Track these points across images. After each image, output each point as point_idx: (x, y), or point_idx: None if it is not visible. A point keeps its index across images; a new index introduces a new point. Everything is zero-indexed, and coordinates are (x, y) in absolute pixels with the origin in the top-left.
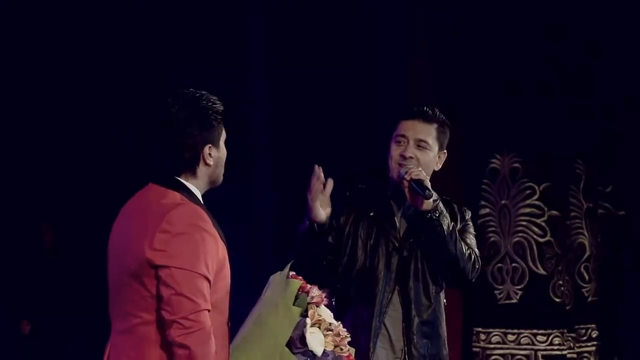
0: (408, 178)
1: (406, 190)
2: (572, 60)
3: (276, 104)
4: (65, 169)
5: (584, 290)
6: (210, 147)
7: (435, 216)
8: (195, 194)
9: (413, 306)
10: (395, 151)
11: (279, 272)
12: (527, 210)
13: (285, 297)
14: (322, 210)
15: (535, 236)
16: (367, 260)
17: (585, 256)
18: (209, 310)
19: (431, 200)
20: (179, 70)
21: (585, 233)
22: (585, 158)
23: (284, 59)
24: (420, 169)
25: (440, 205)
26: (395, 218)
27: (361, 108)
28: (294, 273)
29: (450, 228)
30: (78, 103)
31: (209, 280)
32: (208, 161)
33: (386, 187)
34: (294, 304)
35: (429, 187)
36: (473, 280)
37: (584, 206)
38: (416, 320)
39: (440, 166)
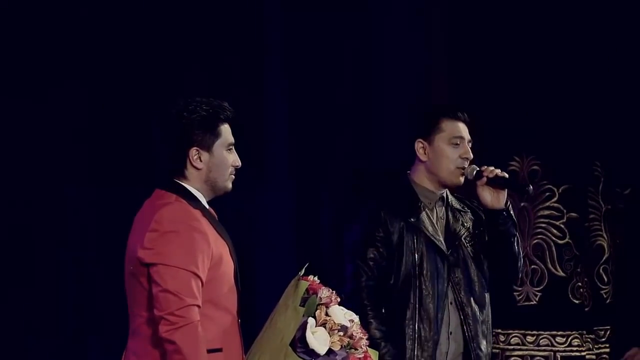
0: (491, 175)
1: (482, 188)
2: (592, 61)
3: (293, 105)
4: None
5: (602, 292)
6: (197, 150)
7: (510, 213)
8: (197, 196)
9: (472, 308)
10: (454, 154)
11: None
12: (547, 212)
13: (293, 299)
14: None
15: (554, 238)
16: (416, 269)
17: (604, 258)
18: (198, 307)
19: (505, 199)
20: (191, 72)
21: (604, 235)
22: (604, 160)
23: (300, 62)
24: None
25: (509, 203)
26: (435, 224)
27: (376, 107)
28: (308, 275)
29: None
30: (85, 106)
31: (198, 277)
32: (195, 164)
33: (411, 191)
34: (303, 305)
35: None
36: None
37: (602, 208)
38: (476, 321)
39: None
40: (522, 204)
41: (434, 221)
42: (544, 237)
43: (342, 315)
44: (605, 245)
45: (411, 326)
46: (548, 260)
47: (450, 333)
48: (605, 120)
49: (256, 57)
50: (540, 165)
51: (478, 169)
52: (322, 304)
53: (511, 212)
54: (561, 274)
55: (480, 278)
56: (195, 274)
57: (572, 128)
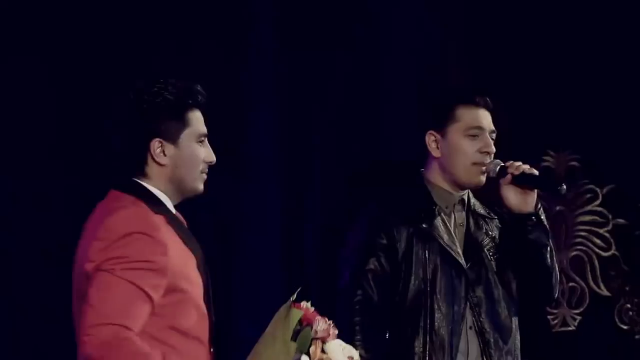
0: (517, 172)
1: (507, 188)
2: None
3: (282, 96)
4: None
5: None
6: (160, 142)
7: (540, 218)
8: (160, 198)
9: (494, 336)
10: (471, 147)
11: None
12: (588, 218)
13: (283, 330)
14: None
15: (597, 250)
16: (428, 286)
17: None
18: (131, 331)
19: (535, 201)
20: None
21: None
22: None
23: (292, 48)
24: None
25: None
26: (452, 232)
27: (379, 97)
28: (300, 303)
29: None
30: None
31: (148, 297)
32: (158, 159)
33: (425, 192)
34: (295, 338)
35: None
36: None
37: None
38: (499, 350)
39: None
40: (557, 208)
41: (451, 228)
42: (584, 248)
43: (340, 352)
44: None
45: (421, 354)
46: (589, 277)
47: None
48: None
49: (240, 39)
50: (580, 160)
51: (502, 164)
52: (317, 339)
53: (542, 216)
54: (606, 293)
55: (506, 298)
56: (145, 292)
57: (618, 115)
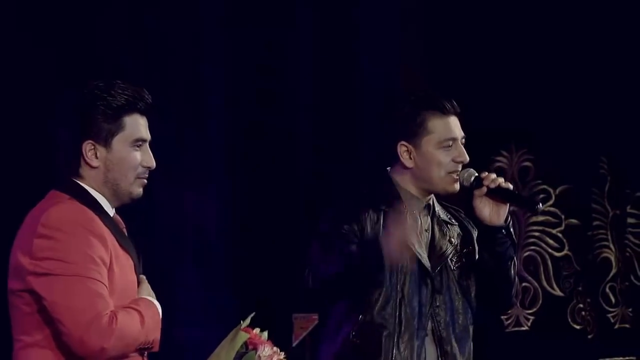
0: (493, 185)
1: (480, 199)
2: (595, 34)
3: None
4: None
5: (609, 315)
6: (92, 144)
7: (510, 231)
8: (98, 200)
9: (452, 345)
10: (446, 157)
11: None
12: (541, 218)
13: (228, 351)
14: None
15: (550, 250)
16: (398, 288)
17: (611, 274)
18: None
19: (506, 214)
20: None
21: (611, 246)
22: (611, 155)
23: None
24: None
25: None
26: (420, 237)
27: (347, 104)
28: (251, 328)
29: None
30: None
31: (104, 285)
32: (90, 162)
33: (394, 194)
34: None
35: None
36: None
37: (609, 213)
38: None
39: None
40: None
41: (419, 233)
42: (537, 248)
43: None
44: (613, 259)
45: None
46: (542, 277)
47: None
48: (613, 108)
49: (194, 42)
50: (533, 161)
51: (477, 174)
52: None
53: (511, 229)
54: (558, 293)
55: (465, 306)
56: (100, 281)
57: (572, 116)
